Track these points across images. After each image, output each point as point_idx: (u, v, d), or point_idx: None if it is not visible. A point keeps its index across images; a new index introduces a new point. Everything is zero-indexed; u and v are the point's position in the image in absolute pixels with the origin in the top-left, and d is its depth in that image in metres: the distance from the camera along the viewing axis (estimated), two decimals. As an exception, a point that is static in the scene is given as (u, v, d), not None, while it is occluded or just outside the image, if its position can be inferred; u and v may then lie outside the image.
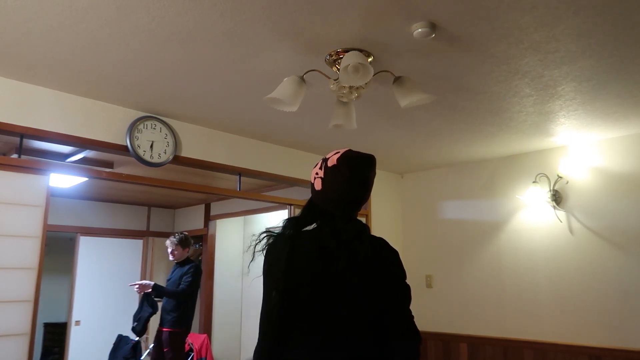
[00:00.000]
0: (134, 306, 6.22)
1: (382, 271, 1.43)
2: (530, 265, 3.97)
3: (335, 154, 1.49)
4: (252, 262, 1.52)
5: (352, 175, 1.44)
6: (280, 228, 1.51)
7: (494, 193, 4.28)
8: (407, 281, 1.47)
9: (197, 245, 6.86)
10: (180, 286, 4.33)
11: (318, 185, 1.48)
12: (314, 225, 1.51)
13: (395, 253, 1.48)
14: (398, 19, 2.01)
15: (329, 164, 1.47)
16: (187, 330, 4.46)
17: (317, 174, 1.49)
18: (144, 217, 6.62)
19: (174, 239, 4.46)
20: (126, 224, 6.38)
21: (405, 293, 1.45)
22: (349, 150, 1.49)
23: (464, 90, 2.78)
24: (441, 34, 2.12)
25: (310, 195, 1.56)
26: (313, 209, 1.50)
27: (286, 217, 4.23)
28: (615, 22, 2.04)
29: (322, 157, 1.55)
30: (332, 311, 1.37)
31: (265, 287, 1.47)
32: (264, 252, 1.49)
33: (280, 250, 1.44)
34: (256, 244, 1.50)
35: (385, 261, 1.45)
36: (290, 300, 1.39)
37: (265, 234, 1.52)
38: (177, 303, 4.33)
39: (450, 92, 2.80)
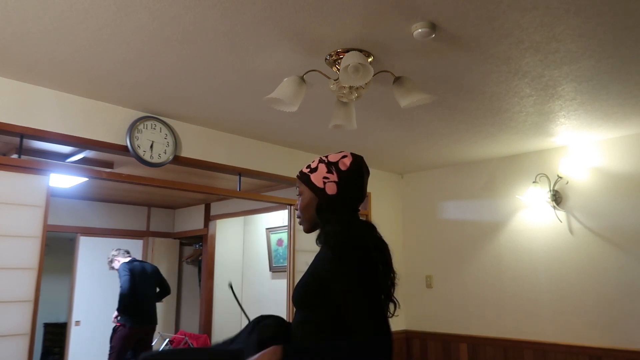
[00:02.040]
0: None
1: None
2: (531, 266, 3.97)
3: (343, 157, 1.52)
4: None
5: (364, 174, 1.54)
6: (336, 229, 1.44)
7: (494, 193, 4.28)
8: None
9: (197, 246, 6.87)
10: None
11: (332, 190, 1.48)
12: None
13: None
14: (398, 19, 2.01)
15: (342, 167, 1.50)
16: (126, 325, 4.79)
17: (326, 178, 1.49)
18: (144, 217, 6.62)
19: (109, 266, 5.16)
20: (126, 224, 6.38)
21: None
22: (354, 154, 1.55)
23: (464, 91, 2.78)
24: (441, 34, 2.12)
25: (304, 201, 1.53)
26: (336, 211, 1.49)
27: (286, 217, 4.24)
28: (615, 23, 2.04)
29: (318, 159, 1.55)
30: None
31: (364, 283, 1.33)
32: (348, 250, 1.37)
33: (365, 245, 1.39)
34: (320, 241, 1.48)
35: None
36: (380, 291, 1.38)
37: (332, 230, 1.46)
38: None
39: (450, 92, 2.80)
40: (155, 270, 5.17)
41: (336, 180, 1.48)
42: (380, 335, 1.28)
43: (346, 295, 1.32)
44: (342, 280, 1.33)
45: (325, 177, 1.49)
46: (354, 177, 1.50)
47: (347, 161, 1.50)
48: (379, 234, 1.49)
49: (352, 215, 1.51)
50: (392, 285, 1.45)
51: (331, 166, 1.51)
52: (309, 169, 1.54)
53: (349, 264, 1.33)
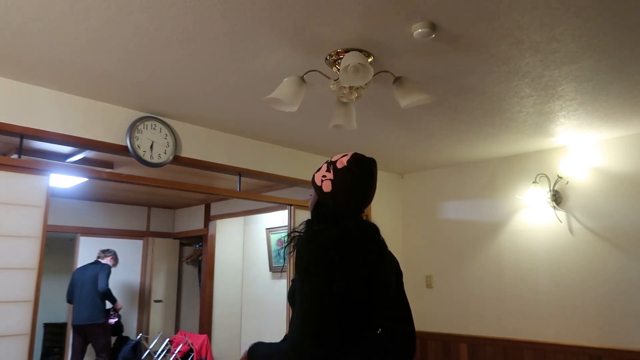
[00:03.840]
0: (134, 307, 6.24)
1: (395, 267, 1.54)
2: (531, 266, 3.97)
3: (343, 156, 1.54)
4: (285, 265, 1.55)
5: (363, 174, 1.51)
6: (304, 227, 1.47)
7: (494, 193, 4.28)
8: (407, 281, 1.56)
9: (197, 246, 6.86)
10: None
11: (327, 187, 1.50)
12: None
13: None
14: (398, 19, 2.01)
15: (339, 165, 1.51)
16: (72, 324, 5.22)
17: (324, 176, 1.53)
18: (144, 217, 6.62)
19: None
20: (126, 224, 6.38)
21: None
22: (356, 153, 1.55)
23: (464, 91, 2.78)
24: (441, 34, 2.12)
25: (311, 200, 1.60)
26: (326, 209, 1.51)
27: (286, 217, 4.24)
28: (615, 23, 2.04)
29: (325, 159, 1.60)
30: (369, 308, 1.40)
31: (310, 280, 1.34)
32: (303, 245, 1.40)
33: (323, 243, 1.37)
34: (290, 244, 1.46)
35: (395, 260, 1.56)
36: (345, 295, 1.34)
37: (296, 233, 1.47)
38: None
39: (450, 92, 2.80)
40: (98, 273, 5.26)
41: (332, 177, 1.51)
42: (303, 340, 1.29)
43: (298, 295, 1.36)
44: (297, 277, 1.38)
45: (323, 176, 1.53)
46: (348, 174, 1.49)
47: (345, 160, 1.52)
48: (376, 237, 1.48)
49: (352, 214, 1.50)
50: (374, 290, 1.41)
51: (330, 165, 1.54)
52: (316, 170, 1.59)
53: (300, 260, 1.37)
